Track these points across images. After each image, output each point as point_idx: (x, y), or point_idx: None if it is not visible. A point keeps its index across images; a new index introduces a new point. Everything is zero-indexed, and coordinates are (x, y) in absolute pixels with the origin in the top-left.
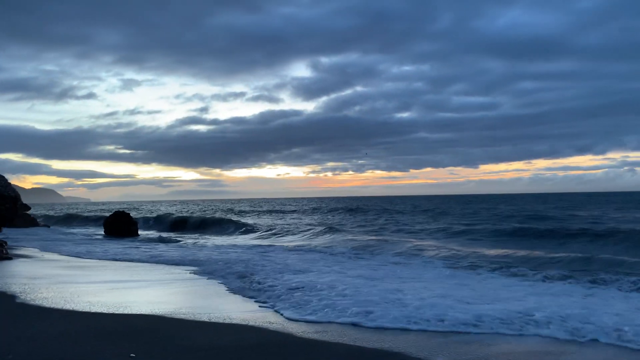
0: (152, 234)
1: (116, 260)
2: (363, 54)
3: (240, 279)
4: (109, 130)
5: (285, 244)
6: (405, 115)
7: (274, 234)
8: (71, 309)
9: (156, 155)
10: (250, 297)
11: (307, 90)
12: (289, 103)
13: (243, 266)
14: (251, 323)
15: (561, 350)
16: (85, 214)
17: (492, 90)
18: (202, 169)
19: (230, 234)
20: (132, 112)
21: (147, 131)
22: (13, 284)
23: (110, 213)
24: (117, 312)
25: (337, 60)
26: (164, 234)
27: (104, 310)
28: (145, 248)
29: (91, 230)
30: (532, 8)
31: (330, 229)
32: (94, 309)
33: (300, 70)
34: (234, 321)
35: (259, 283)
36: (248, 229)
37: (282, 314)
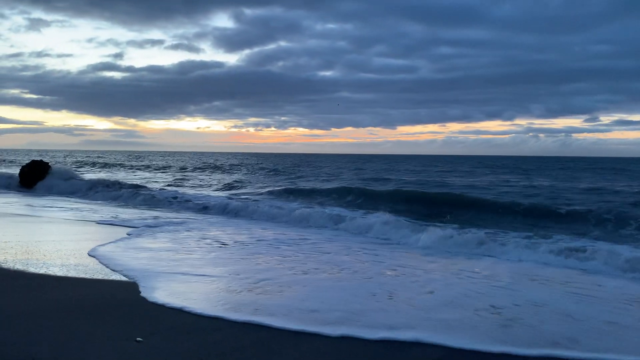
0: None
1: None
2: (287, 9)
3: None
4: (13, 73)
5: None
6: (328, 73)
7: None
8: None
9: (66, 102)
10: None
11: (229, 41)
12: (210, 54)
13: None
14: None
15: None
16: None
17: (411, 54)
18: (117, 119)
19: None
20: (40, 54)
21: (57, 75)
22: None
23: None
24: (86, 277)
25: (260, 13)
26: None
27: (72, 274)
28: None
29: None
30: None
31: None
32: (58, 273)
33: (222, 20)
34: None
35: None
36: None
37: None
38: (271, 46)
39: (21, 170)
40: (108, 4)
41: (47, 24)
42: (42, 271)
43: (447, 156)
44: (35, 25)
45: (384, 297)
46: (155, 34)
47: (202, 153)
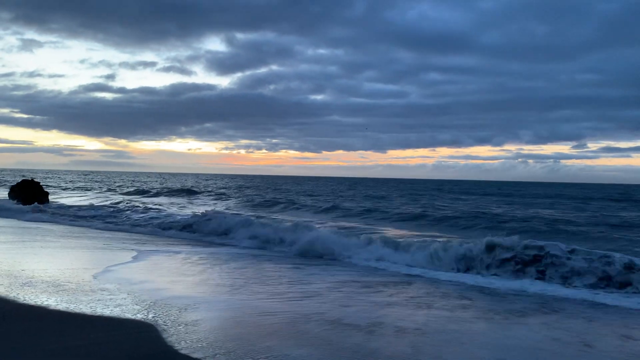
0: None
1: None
2: (279, 34)
3: None
4: (4, 92)
5: None
6: (319, 97)
7: None
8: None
9: (57, 122)
10: None
11: (221, 65)
12: (202, 77)
13: None
14: None
15: None
16: None
17: (401, 79)
18: (107, 139)
19: None
20: (32, 74)
21: (48, 96)
22: None
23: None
24: (94, 314)
25: (252, 37)
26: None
27: (79, 309)
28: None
29: None
30: (440, 3)
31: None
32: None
33: (215, 44)
34: None
35: None
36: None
37: None
38: (263, 70)
39: (12, 189)
40: (102, 26)
41: (39, 44)
42: (45, 304)
43: (439, 180)
44: (28, 45)
45: (577, 344)
46: (148, 56)
47: (193, 175)
